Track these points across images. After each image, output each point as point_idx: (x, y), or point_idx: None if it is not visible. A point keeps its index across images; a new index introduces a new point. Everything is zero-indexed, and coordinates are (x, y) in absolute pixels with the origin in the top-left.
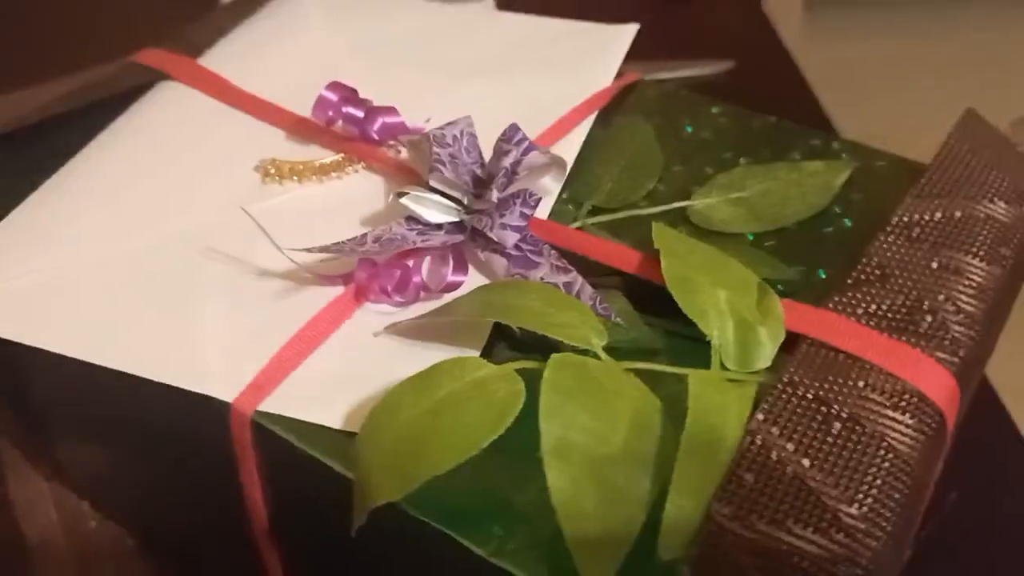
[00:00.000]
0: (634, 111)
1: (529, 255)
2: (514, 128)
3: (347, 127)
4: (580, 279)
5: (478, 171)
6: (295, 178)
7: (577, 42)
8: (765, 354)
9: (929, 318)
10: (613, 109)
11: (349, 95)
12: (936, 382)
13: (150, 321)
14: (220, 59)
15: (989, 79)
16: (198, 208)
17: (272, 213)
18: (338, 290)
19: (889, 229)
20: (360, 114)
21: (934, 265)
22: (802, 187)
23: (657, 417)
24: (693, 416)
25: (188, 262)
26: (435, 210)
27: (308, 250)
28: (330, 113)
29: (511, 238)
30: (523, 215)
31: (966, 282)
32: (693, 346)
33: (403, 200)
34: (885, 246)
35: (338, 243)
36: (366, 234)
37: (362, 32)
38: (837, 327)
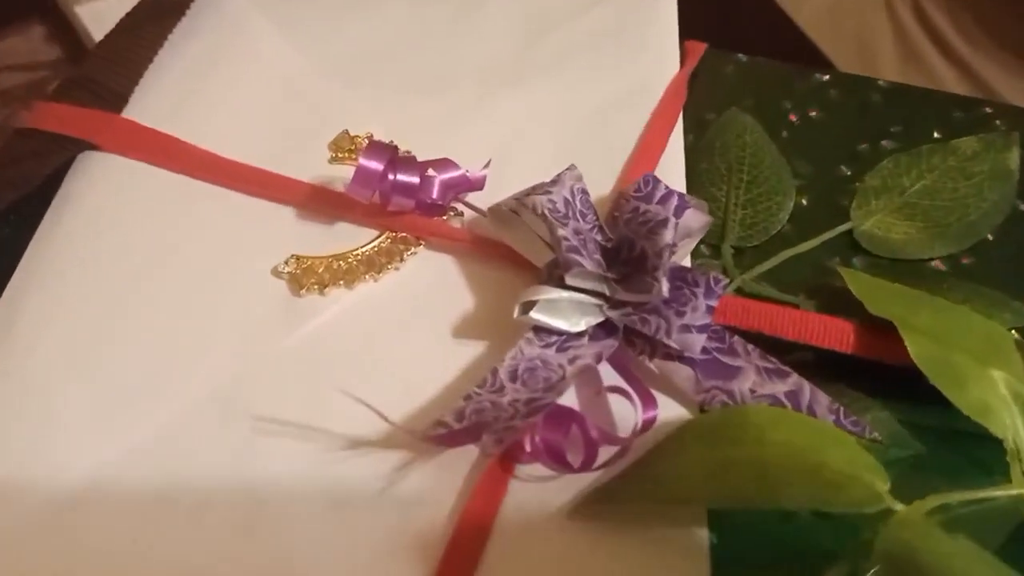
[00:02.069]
0: (721, 100)
1: (720, 357)
2: (651, 180)
3: (398, 200)
4: (805, 384)
5: (600, 239)
6: (340, 282)
7: (609, 16)
8: None
9: None
10: (692, 100)
11: (393, 156)
12: None
13: (225, 552)
14: (154, 109)
15: None
16: (216, 353)
17: (323, 339)
18: (467, 455)
19: None
20: (415, 179)
21: None
22: (971, 178)
23: None
24: None
25: (232, 443)
26: (574, 314)
27: (441, 424)
28: (375, 187)
29: (698, 342)
30: (709, 309)
31: None
32: (954, 444)
33: (534, 314)
34: None
35: (469, 397)
36: (496, 371)
37: (328, 42)
38: None
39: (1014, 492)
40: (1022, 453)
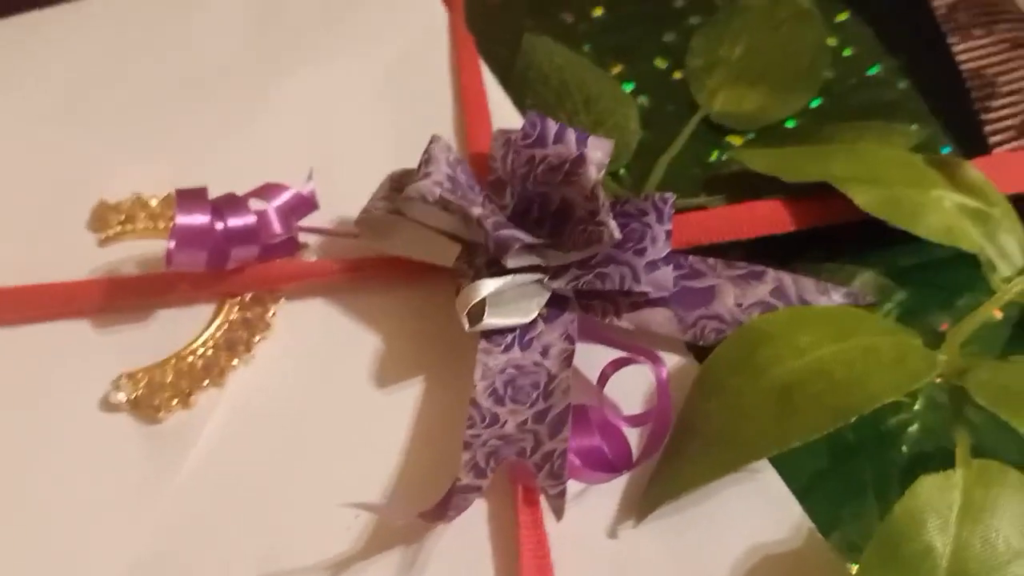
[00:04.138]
0: (502, 31)
1: (688, 284)
2: (537, 121)
3: (240, 252)
4: (784, 275)
5: (489, 203)
6: (204, 382)
7: None
8: (1022, 240)
9: None
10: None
11: (216, 204)
12: None
13: None
14: None
15: None
16: (95, 540)
17: (223, 457)
18: (476, 514)
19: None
20: (252, 219)
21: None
22: (778, 28)
23: None
24: None
25: None
26: (522, 300)
27: (464, 490)
28: (208, 247)
29: (669, 276)
30: (668, 235)
31: None
32: (920, 277)
33: (488, 318)
34: (965, 57)
35: (469, 444)
36: (475, 402)
37: (22, 95)
38: None
39: (1007, 299)
40: (995, 260)
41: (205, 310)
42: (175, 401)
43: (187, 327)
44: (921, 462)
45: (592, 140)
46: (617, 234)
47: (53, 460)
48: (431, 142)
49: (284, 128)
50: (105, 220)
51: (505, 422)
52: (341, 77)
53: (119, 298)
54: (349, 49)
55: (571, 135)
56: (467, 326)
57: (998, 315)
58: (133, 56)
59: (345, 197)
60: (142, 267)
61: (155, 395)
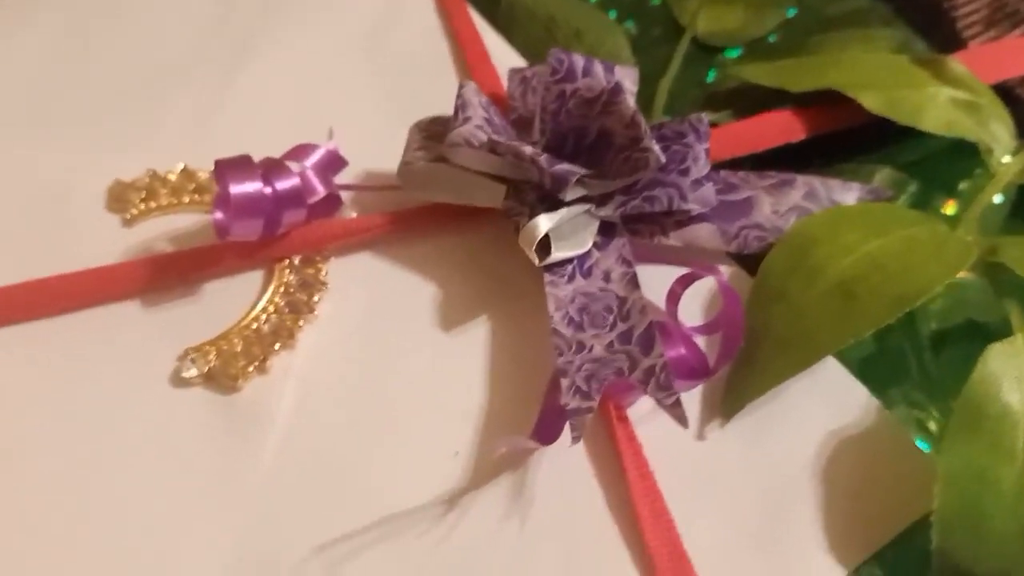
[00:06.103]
0: None
1: (726, 198)
2: (563, 57)
3: (291, 215)
4: (814, 179)
5: (525, 137)
6: (276, 346)
7: None
8: (1010, 125)
9: None
10: None
11: (263, 167)
12: None
13: None
14: None
15: None
16: (190, 535)
17: (310, 422)
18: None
19: None
20: (296, 181)
21: None
22: None
23: None
24: None
25: None
26: (577, 232)
27: (577, 412)
28: (265, 213)
29: (711, 192)
30: (707, 153)
31: None
32: (926, 169)
33: (556, 252)
34: None
35: (564, 371)
36: (556, 331)
37: None
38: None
39: (1007, 180)
40: (991, 146)
41: (250, 279)
42: (251, 368)
43: (236, 297)
44: (951, 335)
45: (619, 70)
46: (662, 158)
47: (128, 449)
48: (461, 87)
49: (272, 100)
50: (125, 200)
51: (592, 347)
52: (324, 42)
53: (161, 276)
54: (324, 15)
55: (599, 67)
56: (536, 261)
57: (996, 198)
58: (97, 48)
59: (361, 154)
60: (176, 243)
61: (229, 365)
